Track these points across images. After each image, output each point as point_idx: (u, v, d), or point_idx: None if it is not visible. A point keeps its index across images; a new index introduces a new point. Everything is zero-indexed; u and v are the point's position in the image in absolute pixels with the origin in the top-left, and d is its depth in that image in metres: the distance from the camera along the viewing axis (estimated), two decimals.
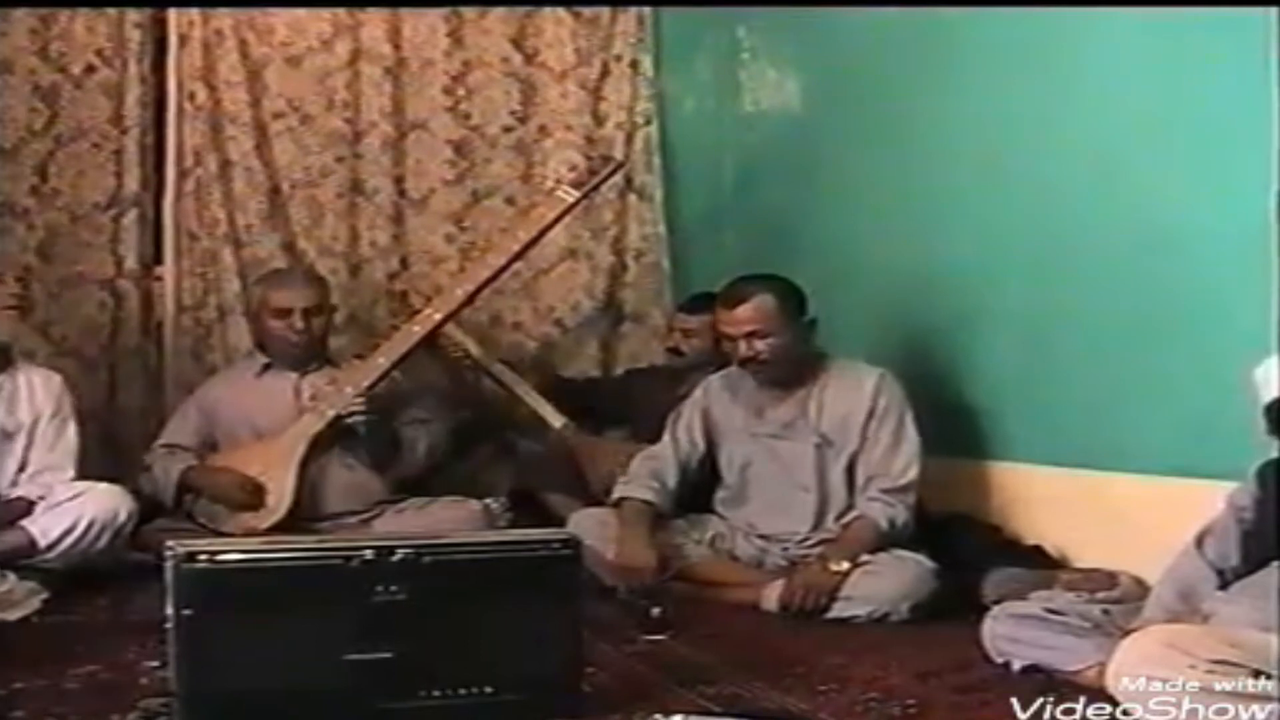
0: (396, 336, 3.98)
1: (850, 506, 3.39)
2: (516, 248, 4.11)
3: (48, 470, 3.44)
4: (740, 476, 3.54)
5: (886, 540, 3.27)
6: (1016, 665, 2.56)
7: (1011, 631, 2.60)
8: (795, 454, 3.45)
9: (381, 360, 3.90)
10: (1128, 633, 2.30)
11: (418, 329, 3.98)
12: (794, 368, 3.44)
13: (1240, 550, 2.41)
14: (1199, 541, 2.47)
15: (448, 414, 4.21)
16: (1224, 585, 2.40)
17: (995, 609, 2.71)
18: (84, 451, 3.55)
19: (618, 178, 4.63)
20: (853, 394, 3.42)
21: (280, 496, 3.75)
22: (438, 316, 4.01)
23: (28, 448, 3.45)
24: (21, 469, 3.44)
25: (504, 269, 4.13)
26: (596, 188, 4.26)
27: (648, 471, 3.54)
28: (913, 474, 3.36)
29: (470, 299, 4.11)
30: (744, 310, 3.38)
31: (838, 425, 3.42)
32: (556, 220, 4.18)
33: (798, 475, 3.45)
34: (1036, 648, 2.53)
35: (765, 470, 3.50)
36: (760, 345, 3.38)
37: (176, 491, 3.81)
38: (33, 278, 4.21)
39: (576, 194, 4.14)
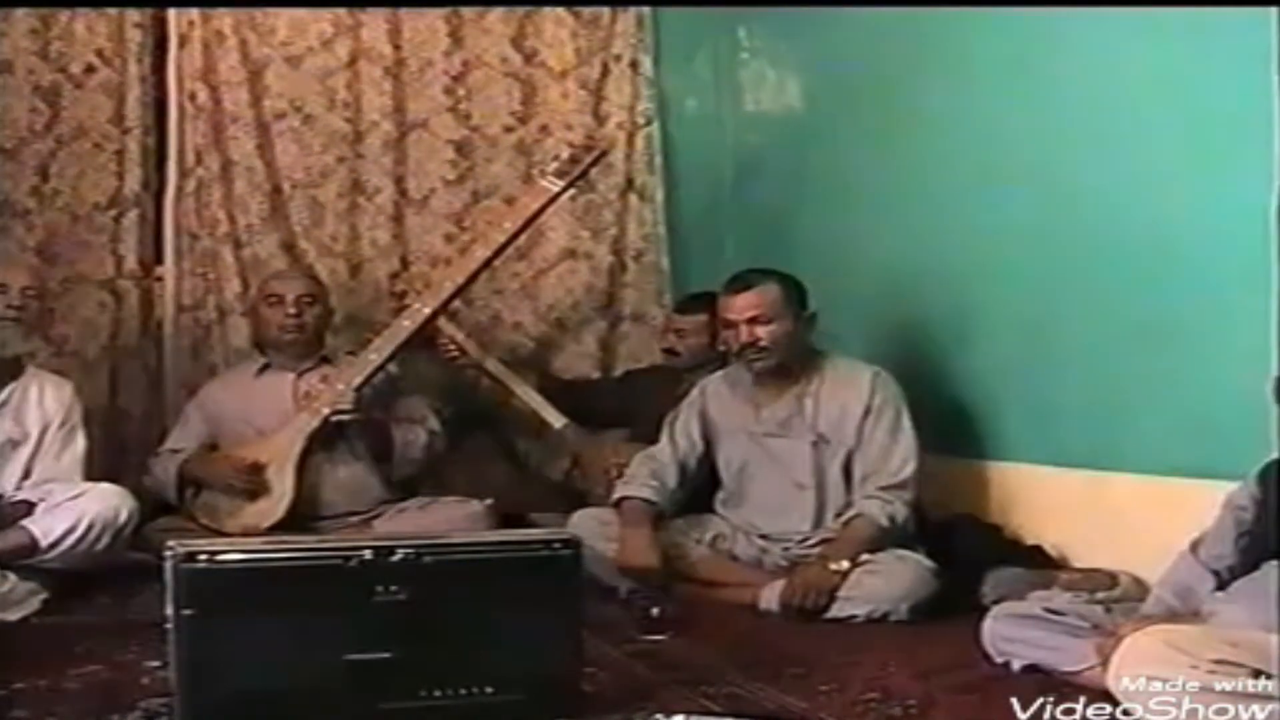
0: (387, 332, 3.97)
1: (849, 504, 3.39)
2: (503, 239, 4.10)
3: (53, 480, 3.41)
4: (738, 476, 3.54)
5: (887, 537, 3.27)
6: (1016, 665, 2.56)
7: (1011, 631, 2.60)
8: (792, 452, 3.46)
9: (373, 356, 3.90)
10: (1122, 630, 2.31)
11: (408, 323, 3.97)
12: (791, 360, 3.45)
13: (1238, 550, 2.42)
14: (1194, 546, 2.48)
15: (446, 412, 4.21)
16: (1222, 585, 2.40)
17: (995, 609, 2.71)
18: (87, 454, 3.54)
19: (618, 178, 4.64)
20: (848, 391, 3.43)
21: (280, 496, 3.75)
22: (427, 310, 4.00)
23: (33, 456, 3.43)
24: (27, 475, 3.41)
25: (491, 260, 4.11)
26: (582, 176, 4.21)
27: (648, 471, 3.54)
28: (910, 469, 3.36)
29: (459, 292, 4.11)
30: (748, 296, 3.40)
31: (834, 423, 3.43)
32: (542, 210, 4.15)
33: (795, 474, 3.45)
34: (1036, 648, 2.53)
35: (763, 469, 3.50)
36: (761, 332, 3.40)
37: (178, 484, 3.82)
38: (33, 279, 4.21)
39: (561, 183, 4.11)
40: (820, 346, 3.53)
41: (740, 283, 3.45)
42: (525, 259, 4.54)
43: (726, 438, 3.57)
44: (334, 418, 3.81)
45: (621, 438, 4.12)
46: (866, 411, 3.40)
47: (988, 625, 2.65)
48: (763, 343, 3.41)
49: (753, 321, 3.40)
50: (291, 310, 3.92)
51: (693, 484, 3.59)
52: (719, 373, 3.67)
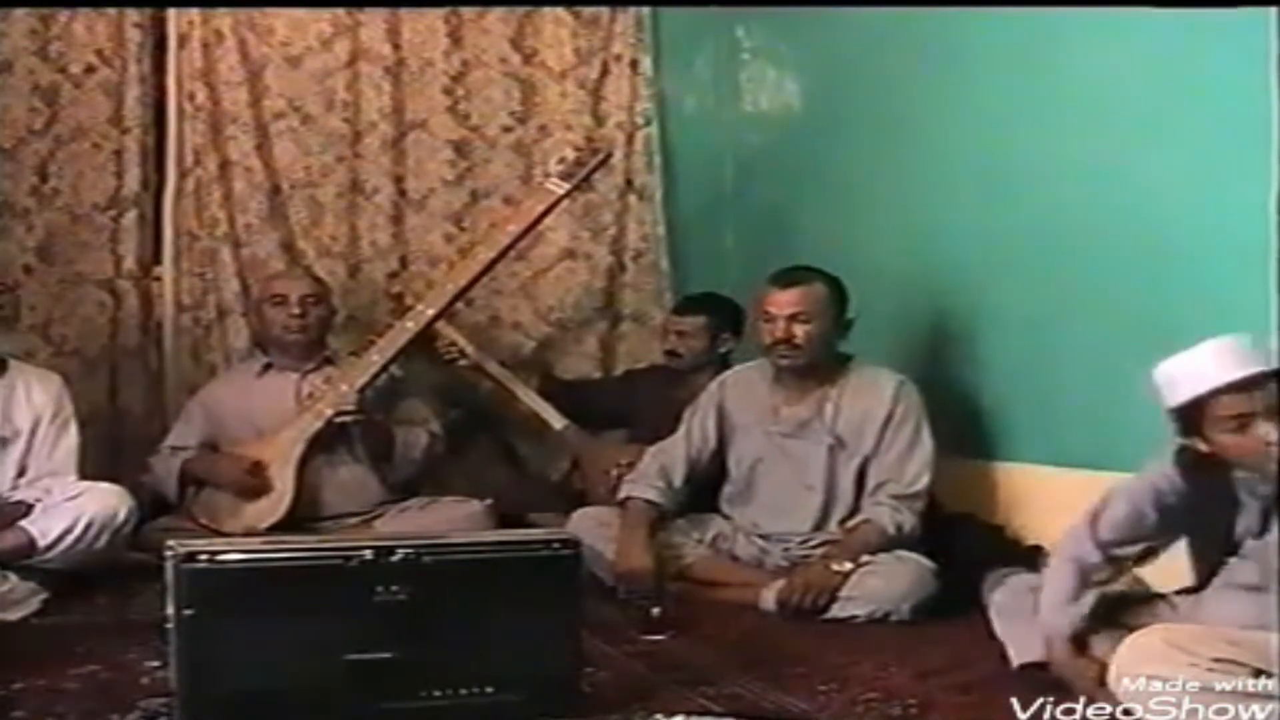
0: (390, 333, 3.97)
1: (857, 510, 3.39)
2: (507, 241, 4.10)
3: (48, 475, 3.41)
4: (748, 474, 3.54)
5: (892, 545, 3.27)
6: (1012, 652, 2.55)
7: (1008, 601, 2.63)
8: (806, 453, 3.45)
9: (375, 358, 3.90)
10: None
11: (411, 325, 3.97)
12: (820, 362, 3.45)
13: (1154, 532, 2.41)
14: (1092, 522, 2.45)
15: (446, 413, 4.21)
16: (1117, 567, 2.39)
17: (993, 577, 2.73)
18: (84, 452, 3.53)
19: (617, 178, 4.64)
20: (871, 398, 3.42)
21: (281, 496, 3.75)
22: (430, 312, 4.01)
23: (26, 452, 3.41)
24: (21, 473, 3.41)
25: (495, 262, 4.12)
26: (586, 179, 4.22)
27: (656, 469, 3.54)
28: (925, 481, 3.36)
29: (462, 294, 4.11)
30: (793, 293, 3.40)
31: (853, 428, 3.42)
32: (546, 212, 4.16)
33: (806, 475, 3.45)
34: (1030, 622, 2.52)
35: (774, 469, 3.50)
36: (799, 330, 3.39)
37: (179, 483, 3.83)
38: (32, 278, 4.21)
39: (566, 186, 4.11)
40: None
41: (789, 278, 3.43)
42: (524, 259, 4.54)
43: (741, 433, 3.56)
44: (337, 419, 3.81)
45: (621, 438, 4.12)
46: (888, 419, 3.39)
47: (987, 595, 2.71)
48: (798, 341, 3.40)
49: (793, 319, 3.39)
50: (295, 310, 3.92)
51: (702, 479, 3.58)
52: (739, 367, 3.67)
